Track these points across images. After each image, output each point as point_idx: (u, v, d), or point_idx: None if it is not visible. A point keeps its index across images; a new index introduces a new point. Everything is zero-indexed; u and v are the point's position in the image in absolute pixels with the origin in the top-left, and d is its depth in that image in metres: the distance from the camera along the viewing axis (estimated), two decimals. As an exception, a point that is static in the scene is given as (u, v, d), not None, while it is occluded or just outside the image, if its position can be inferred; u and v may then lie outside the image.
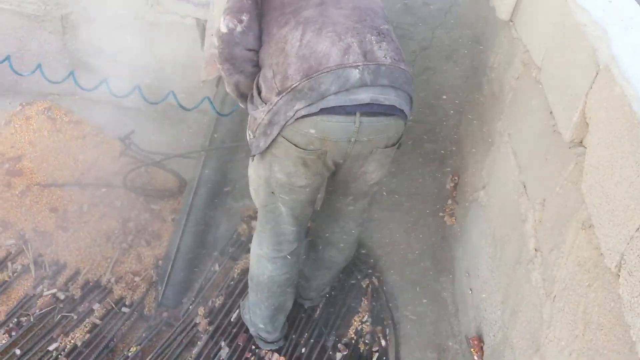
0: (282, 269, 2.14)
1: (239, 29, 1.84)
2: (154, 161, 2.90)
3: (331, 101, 1.67)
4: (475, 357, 1.72)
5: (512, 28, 2.07)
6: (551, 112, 1.54)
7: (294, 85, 1.69)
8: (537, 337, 1.32)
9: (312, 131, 1.71)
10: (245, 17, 1.84)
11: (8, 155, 3.03)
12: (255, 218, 2.97)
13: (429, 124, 2.93)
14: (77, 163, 3.10)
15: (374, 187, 2.04)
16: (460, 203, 2.36)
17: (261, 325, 2.30)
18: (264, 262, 2.16)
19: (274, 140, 1.78)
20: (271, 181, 1.91)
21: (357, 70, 1.67)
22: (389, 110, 1.73)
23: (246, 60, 1.89)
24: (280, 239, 2.08)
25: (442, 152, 2.87)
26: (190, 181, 2.85)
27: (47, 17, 3.05)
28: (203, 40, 2.91)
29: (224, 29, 1.86)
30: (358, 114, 1.69)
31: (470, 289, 1.96)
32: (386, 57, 1.72)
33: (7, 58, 2.65)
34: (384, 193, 2.87)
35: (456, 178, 2.54)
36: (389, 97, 1.71)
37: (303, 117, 1.69)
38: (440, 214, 2.45)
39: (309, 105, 1.68)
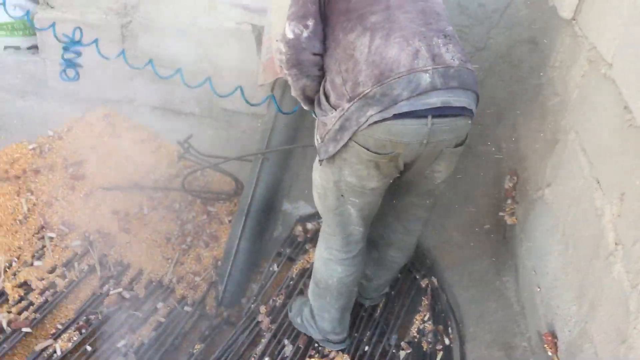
0: (350, 269, 2.17)
1: (305, 34, 1.88)
2: (211, 164, 2.96)
3: (403, 107, 1.70)
4: (550, 353, 1.72)
5: (575, 26, 2.08)
6: (626, 107, 1.54)
7: (366, 92, 1.72)
8: (623, 329, 1.32)
9: (385, 135, 1.74)
10: (310, 22, 1.88)
11: (71, 160, 3.14)
12: (309, 220, 3.02)
13: (483, 125, 2.93)
14: (137, 167, 3.20)
15: (441, 186, 2.06)
16: (521, 202, 2.36)
17: (330, 329, 2.32)
18: (332, 265, 2.18)
19: (344, 145, 1.82)
20: (341, 184, 1.94)
21: (427, 75, 1.70)
22: (459, 112, 1.77)
23: (313, 65, 1.93)
24: (349, 240, 2.11)
25: (498, 152, 2.87)
26: (247, 184, 2.91)
27: (107, 26, 3.15)
28: (259, 45, 2.98)
29: (290, 35, 1.89)
30: (430, 117, 1.72)
31: (539, 287, 1.96)
32: (454, 59, 1.75)
33: (95, 40, 2.78)
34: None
35: (515, 178, 2.53)
36: (460, 99, 1.75)
37: (376, 122, 1.72)
38: (500, 213, 2.45)
39: (381, 111, 1.71)
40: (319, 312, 2.32)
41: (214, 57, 3.10)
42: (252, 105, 2.70)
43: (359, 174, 1.88)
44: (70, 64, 2.85)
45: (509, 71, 2.78)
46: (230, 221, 3.07)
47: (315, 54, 1.91)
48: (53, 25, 2.86)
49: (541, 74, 2.40)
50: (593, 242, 1.59)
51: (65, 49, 2.80)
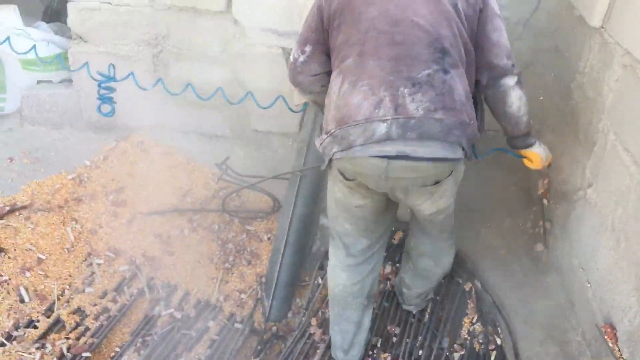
0: (354, 278, 2.24)
1: (301, 59, 2.03)
2: (250, 184, 3.05)
3: (357, 152, 1.80)
4: (610, 344, 1.81)
5: (604, 34, 2.20)
6: (669, 108, 1.66)
7: (332, 131, 1.86)
8: (692, 313, 1.42)
9: (349, 165, 1.88)
10: (308, 49, 2.01)
11: (110, 187, 3.23)
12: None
13: (510, 132, 3.03)
14: (173, 190, 3.29)
15: (438, 216, 2.06)
16: (558, 204, 2.46)
17: (338, 344, 2.37)
18: (337, 271, 2.27)
19: (329, 164, 1.98)
20: (334, 196, 2.10)
21: (385, 124, 1.74)
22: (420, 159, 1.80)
23: (312, 84, 2.09)
24: (350, 250, 2.21)
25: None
26: (286, 201, 3.00)
27: (139, 56, 3.25)
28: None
29: (291, 58, 2.07)
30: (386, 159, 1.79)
31: (589, 283, 2.06)
32: (418, 109, 1.73)
33: (131, 74, 2.90)
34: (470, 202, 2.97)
35: (546, 181, 2.64)
36: (417, 150, 1.75)
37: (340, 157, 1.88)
38: (535, 216, 2.55)
39: (341, 150, 1.84)
40: (331, 325, 2.39)
41: (245, 80, 3.20)
42: (293, 111, 2.86)
43: (342, 191, 2.04)
44: (105, 99, 2.97)
45: (532, 79, 2.89)
46: (269, 238, 3.16)
47: (313, 75, 2.06)
48: (86, 64, 2.97)
49: (569, 80, 2.51)
50: (648, 235, 1.69)
51: (100, 85, 2.92)
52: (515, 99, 1.99)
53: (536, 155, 2.17)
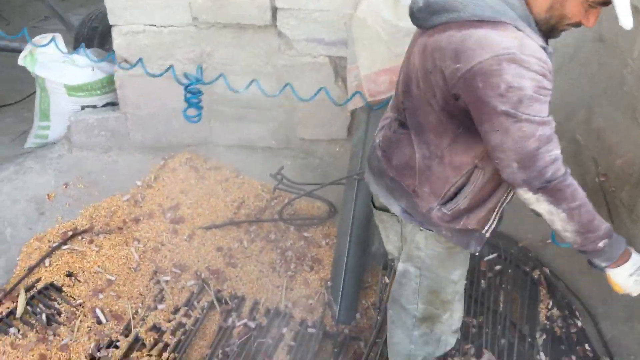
0: None
1: None
2: (307, 192, 3.11)
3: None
4: None
5: (658, 19, 2.28)
6: None
7: None
8: None
9: None
10: None
11: (166, 205, 3.27)
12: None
13: (556, 122, 3.11)
14: (227, 204, 3.34)
15: (397, 265, 2.09)
16: (622, 188, 2.54)
17: None
18: None
19: None
20: None
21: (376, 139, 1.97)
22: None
23: None
24: None
25: (572, 147, 3.05)
26: (345, 205, 3.05)
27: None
28: (337, 75, 3.16)
29: None
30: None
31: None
32: (379, 140, 1.93)
33: (222, 74, 3.04)
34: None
35: (601, 167, 2.71)
36: (372, 181, 2.01)
37: None
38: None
39: None
40: None
41: (291, 91, 3.26)
42: (337, 104, 3.02)
43: None
44: (192, 103, 3.04)
45: (577, 70, 2.99)
46: (327, 243, 3.21)
47: None
48: (172, 67, 3.02)
49: (621, 66, 2.59)
50: None
51: (187, 88, 2.98)
52: (544, 211, 1.57)
53: (613, 284, 1.70)
